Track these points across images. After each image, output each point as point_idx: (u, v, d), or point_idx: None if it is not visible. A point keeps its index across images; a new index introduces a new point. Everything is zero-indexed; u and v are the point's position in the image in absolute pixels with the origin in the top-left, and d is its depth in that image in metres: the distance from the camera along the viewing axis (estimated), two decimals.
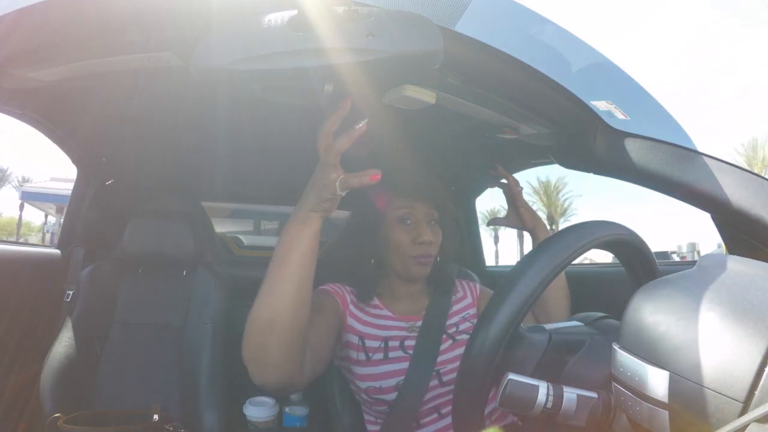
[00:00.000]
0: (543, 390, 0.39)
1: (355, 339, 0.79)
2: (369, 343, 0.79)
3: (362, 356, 0.78)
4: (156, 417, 0.97)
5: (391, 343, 0.79)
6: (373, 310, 0.84)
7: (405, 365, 0.77)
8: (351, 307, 0.82)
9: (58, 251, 1.22)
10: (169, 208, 1.28)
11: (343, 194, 0.57)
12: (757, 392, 0.28)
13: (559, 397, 0.39)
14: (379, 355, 0.78)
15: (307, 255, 0.58)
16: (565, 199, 22.79)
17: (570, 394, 0.39)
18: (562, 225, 22.79)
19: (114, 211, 1.33)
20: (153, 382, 1.11)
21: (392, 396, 0.75)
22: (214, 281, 1.20)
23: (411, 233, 0.81)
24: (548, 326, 0.48)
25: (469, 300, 0.91)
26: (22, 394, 1.04)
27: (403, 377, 0.76)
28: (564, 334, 0.47)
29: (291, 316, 0.58)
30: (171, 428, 0.97)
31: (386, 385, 0.76)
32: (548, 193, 22.43)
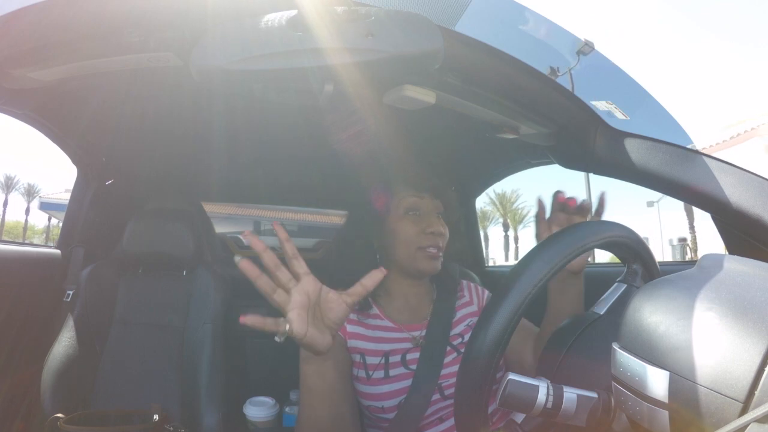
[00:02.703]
0: (543, 390, 0.39)
1: (357, 357, 0.76)
2: (369, 359, 0.76)
3: (362, 373, 0.75)
4: (156, 417, 0.97)
5: (392, 359, 0.76)
6: (373, 321, 0.80)
7: (407, 383, 0.74)
8: (349, 327, 0.78)
9: (58, 251, 1.22)
10: (169, 208, 1.28)
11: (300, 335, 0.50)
12: (757, 392, 0.28)
13: (559, 396, 0.39)
14: (380, 373, 0.75)
15: (318, 390, 0.59)
16: (522, 208, 25.53)
17: (570, 394, 0.39)
18: (521, 231, 24.88)
19: (114, 211, 1.33)
20: (153, 382, 1.11)
21: (393, 414, 0.74)
22: (214, 281, 1.20)
23: (419, 224, 0.80)
24: (518, 417, 0.45)
25: (474, 307, 0.87)
26: (22, 394, 1.04)
27: (404, 396, 0.73)
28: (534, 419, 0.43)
29: None
30: (171, 428, 0.97)
31: (388, 405, 0.74)
32: (504, 203, 24.79)
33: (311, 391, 0.59)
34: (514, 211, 25.12)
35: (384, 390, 0.74)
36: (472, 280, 1.01)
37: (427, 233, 0.79)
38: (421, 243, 0.79)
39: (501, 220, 24.81)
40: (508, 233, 24.85)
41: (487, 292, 0.92)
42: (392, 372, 0.75)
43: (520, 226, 25.45)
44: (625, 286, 0.52)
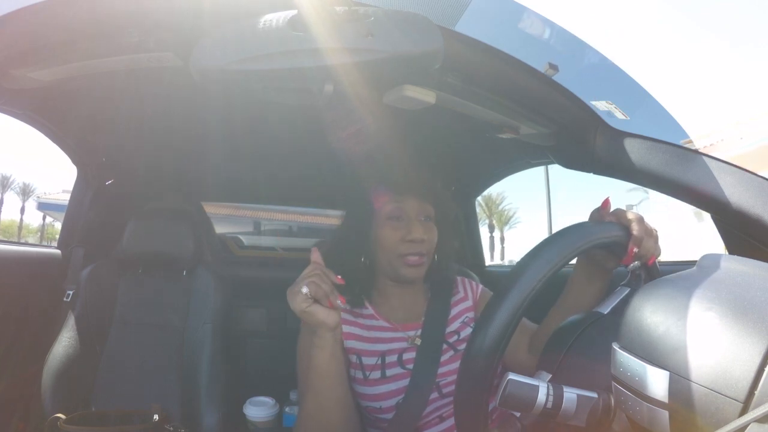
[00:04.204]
0: (543, 390, 0.39)
1: (353, 358, 0.76)
2: (366, 360, 0.76)
3: (359, 374, 0.75)
4: (156, 417, 0.97)
5: (388, 359, 0.76)
6: (368, 321, 0.80)
7: (404, 383, 0.74)
8: (345, 328, 0.77)
9: (58, 251, 1.22)
10: (169, 208, 1.28)
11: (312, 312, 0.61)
12: (757, 392, 0.28)
13: (559, 396, 0.39)
14: (377, 374, 0.75)
15: (331, 376, 0.63)
16: (509, 209, 26.69)
17: (570, 394, 0.39)
18: (507, 232, 26.32)
19: (114, 211, 1.33)
20: (153, 382, 1.11)
21: (391, 415, 0.74)
22: (214, 281, 1.20)
23: (400, 230, 0.77)
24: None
25: (469, 302, 0.87)
26: (22, 394, 1.04)
27: (402, 396, 0.73)
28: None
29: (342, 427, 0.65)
30: (171, 428, 0.97)
31: (386, 405, 0.74)
32: (489, 205, 25.67)
33: (323, 377, 0.62)
34: (500, 212, 26.19)
35: (381, 390, 0.74)
36: (471, 279, 1.00)
37: (407, 241, 0.77)
38: (401, 251, 0.77)
39: (487, 221, 25.57)
40: (494, 234, 25.95)
41: (481, 287, 0.91)
42: (389, 372, 0.75)
43: (506, 227, 26.72)
44: (628, 290, 0.52)
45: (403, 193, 0.80)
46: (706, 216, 0.63)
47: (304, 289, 0.60)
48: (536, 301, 0.44)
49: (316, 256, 0.65)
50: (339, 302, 0.62)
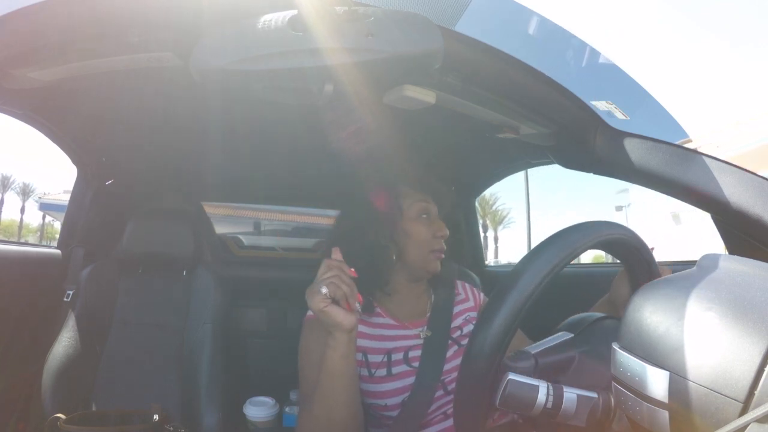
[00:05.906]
0: (543, 390, 0.39)
1: (359, 356, 0.76)
2: (372, 357, 0.77)
3: (365, 372, 0.76)
4: (156, 417, 0.97)
5: (394, 356, 0.77)
6: (375, 319, 0.81)
7: (410, 381, 0.75)
8: None
9: (58, 251, 1.22)
10: (169, 208, 1.28)
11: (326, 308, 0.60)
12: (757, 392, 0.28)
13: (559, 396, 0.39)
14: (383, 371, 0.76)
15: (342, 377, 0.63)
16: (502, 210, 26.96)
17: (570, 394, 0.39)
18: (501, 232, 26.55)
19: (114, 211, 1.33)
20: (153, 382, 1.11)
21: (396, 412, 0.74)
22: (214, 281, 1.20)
23: (431, 227, 0.82)
24: (533, 348, 0.46)
25: (470, 303, 0.89)
26: (22, 394, 1.04)
27: (408, 393, 0.74)
28: (551, 355, 0.45)
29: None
30: (171, 428, 0.97)
31: (391, 403, 0.74)
32: (483, 205, 25.76)
33: (333, 377, 0.62)
34: (494, 212, 26.50)
35: (387, 388, 0.74)
36: (472, 281, 1.01)
37: (438, 237, 0.82)
38: (432, 246, 0.82)
39: (481, 221, 25.46)
40: (487, 234, 26.18)
41: (482, 294, 0.94)
42: (395, 370, 0.76)
43: (500, 227, 27.00)
44: None
45: (427, 192, 0.85)
46: (684, 219, 0.63)
47: (323, 290, 0.59)
48: (537, 302, 0.43)
49: (337, 254, 0.66)
50: (357, 305, 0.62)
